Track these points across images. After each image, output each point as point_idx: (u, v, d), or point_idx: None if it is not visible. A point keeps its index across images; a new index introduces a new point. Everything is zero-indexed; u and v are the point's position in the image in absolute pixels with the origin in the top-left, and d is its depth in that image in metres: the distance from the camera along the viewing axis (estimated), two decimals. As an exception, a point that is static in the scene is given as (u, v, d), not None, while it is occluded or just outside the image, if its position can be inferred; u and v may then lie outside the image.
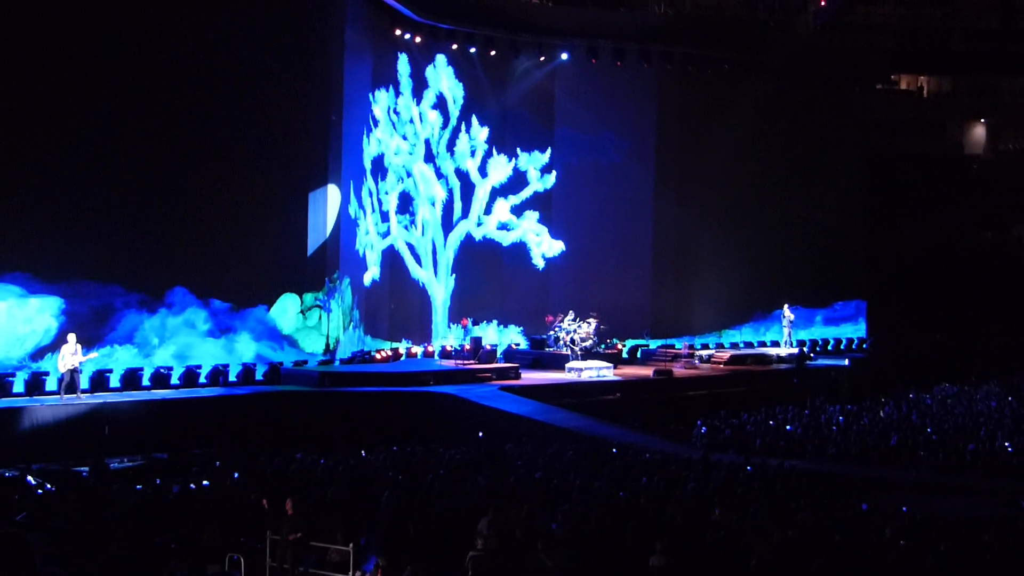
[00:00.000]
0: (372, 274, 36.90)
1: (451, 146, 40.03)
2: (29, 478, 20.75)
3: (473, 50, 40.14)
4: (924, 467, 24.09)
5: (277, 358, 32.01)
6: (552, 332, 37.62)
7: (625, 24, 42.84)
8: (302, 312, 32.94)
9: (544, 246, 42.24)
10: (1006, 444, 25.91)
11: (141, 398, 28.14)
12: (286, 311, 32.65)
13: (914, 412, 31.29)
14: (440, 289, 40.05)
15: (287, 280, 32.76)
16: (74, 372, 26.52)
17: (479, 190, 40.86)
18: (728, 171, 44.68)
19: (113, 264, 29.25)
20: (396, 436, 26.57)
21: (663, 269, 43.66)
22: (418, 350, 38.40)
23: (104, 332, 29.03)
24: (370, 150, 36.62)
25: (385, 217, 37.76)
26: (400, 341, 37.95)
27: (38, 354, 27.92)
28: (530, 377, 34.88)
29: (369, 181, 36.49)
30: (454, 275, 40.39)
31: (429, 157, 39.42)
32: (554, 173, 42.35)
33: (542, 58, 41.80)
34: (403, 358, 37.17)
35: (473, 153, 40.58)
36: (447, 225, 40.19)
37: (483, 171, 40.91)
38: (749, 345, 44.51)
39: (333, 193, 33.83)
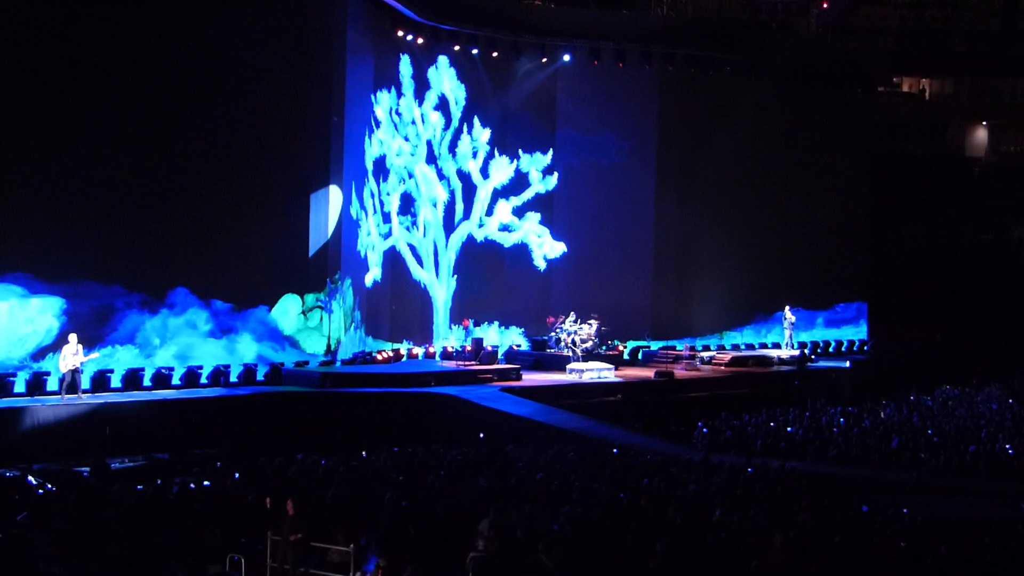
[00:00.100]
0: (373, 275, 36.91)
1: (453, 147, 40.05)
2: (30, 478, 20.75)
3: (475, 51, 40.16)
4: (925, 469, 24.07)
5: (278, 359, 32.02)
6: (553, 333, 37.61)
7: (627, 25, 42.84)
8: (303, 313, 32.96)
9: (545, 247, 42.25)
10: (1007, 446, 25.89)
11: (142, 398, 28.15)
12: (287, 312, 32.66)
13: (915, 414, 31.29)
14: (441, 290, 40.06)
15: (288, 281, 32.77)
16: (75, 372, 26.52)
17: (481, 191, 40.88)
18: (729, 172, 44.68)
19: (114, 264, 29.26)
20: (397, 437, 26.54)
21: (664, 270, 43.67)
22: (419, 351, 38.43)
23: (105, 332, 29.04)
24: (372, 151, 36.63)
25: (387, 218, 37.77)
26: (401, 342, 37.98)
27: (39, 354, 27.93)
28: (531, 378, 34.87)
29: (371, 182, 36.50)
30: (455, 276, 40.40)
31: (431, 158, 39.44)
32: (556, 174, 42.36)
33: (544, 59, 41.81)
34: (404, 359, 37.19)
35: (475, 154, 40.59)
36: (449, 226, 40.21)
37: (485, 172, 40.92)
38: (750, 347, 44.52)
39: (335, 194, 33.84)
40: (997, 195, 58.28)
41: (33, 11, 28.11)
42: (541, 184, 42.15)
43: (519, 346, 40.50)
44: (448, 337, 39.55)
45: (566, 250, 42.47)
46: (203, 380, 30.30)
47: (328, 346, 33.43)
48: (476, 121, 40.55)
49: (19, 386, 27.17)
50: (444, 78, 39.75)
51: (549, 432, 27.77)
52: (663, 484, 20.11)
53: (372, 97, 36.77)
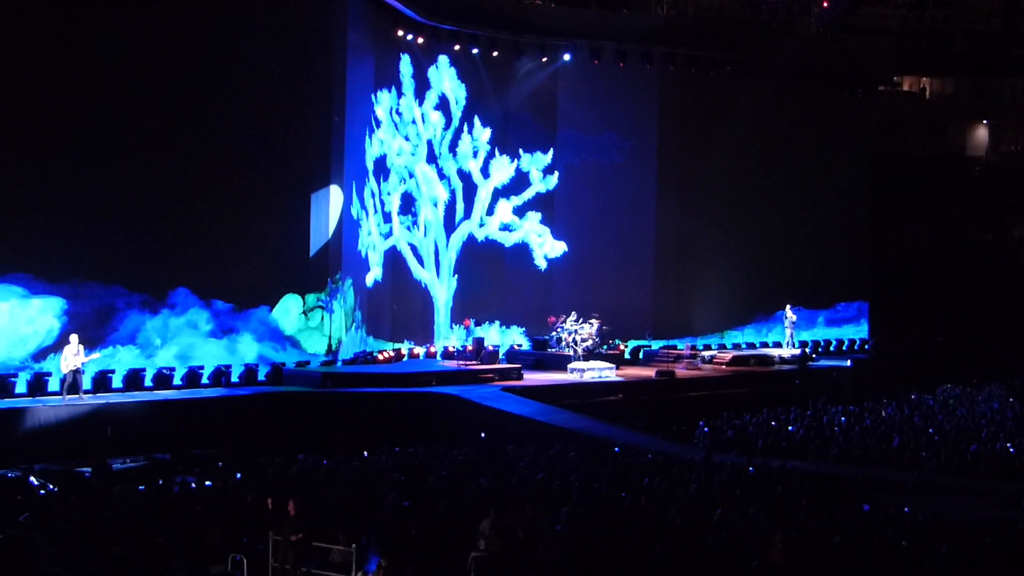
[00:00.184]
0: (374, 275, 36.92)
1: (453, 147, 40.06)
2: (31, 479, 20.76)
3: (475, 51, 40.17)
4: (926, 468, 24.07)
5: (279, 359, 32.03)
6: (554, 333, 37.63)
7: (627, 25, 42.85)
8: (304, 313, 32.96)
9: (546, 247, 42.25)
10: (1008, 446, 25.89)
11: (143, 399, 28.16)
12: (288, 312, 32.67)
13: (916, 413, 31.29)
14: (442, 290, 40.07)
15: (289, 281, 32.78)
16: (76, 373, 26.52)
17: (481, 191, 40.89)
18: (730, 172, 44.70)
19: (115, 265, 29.27)
20: (398, 437, 26.54)
21: (665, 270, 43.67)
22: (420, 351, 38.44)
23: (106, 333, 29.04)
24: (372, 151, 36.64)
25: (387, 218, 37.78)
26: (402, 342, 37.99)
27: (40, 355, 27.93)
28: (532, 378, 34.88)
29: (371, 182, 36.51)
30: (456, 276, 40.41)
31: (431, 158, 39.45)
32: (556, 174, 42.36)
33: (544, 59, 41.82)
34: (405, 359, 37.19)
35: (475, 154, 40.60)
36: (449, 226, 40.22)
37: (485, 172, 40.93)
38: (751, 346, 44.55)
39: (335, 194, 33.85)
40: (997, 195, 58.30)
41: (34, 11, 28.11)
42: (542, 184, 42.16)
43: (520, 346, 40.50)
44: (449, 337, 39.55)
45: (567, 249, 42.47)
46: (204, 380, 30.31)
47: (329, 346, 33.43)
48: (477, 121, 40.55)
49: (20, 387, 27.18)
50: (444, 78, 39.75)
51: (550, 432, 27.78)
52: (664, 484, 20.12)
53: (373, 97, 36.78)
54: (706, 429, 28.19)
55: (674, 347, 41.77)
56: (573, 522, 16.13)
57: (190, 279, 30.57)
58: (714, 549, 14.98)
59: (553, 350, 37.70)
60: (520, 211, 41.73)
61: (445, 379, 33.03)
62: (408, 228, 38.83)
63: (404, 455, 23.70)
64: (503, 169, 41.26)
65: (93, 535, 15.03)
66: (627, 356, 40.24)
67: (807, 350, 42.23)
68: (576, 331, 36.45)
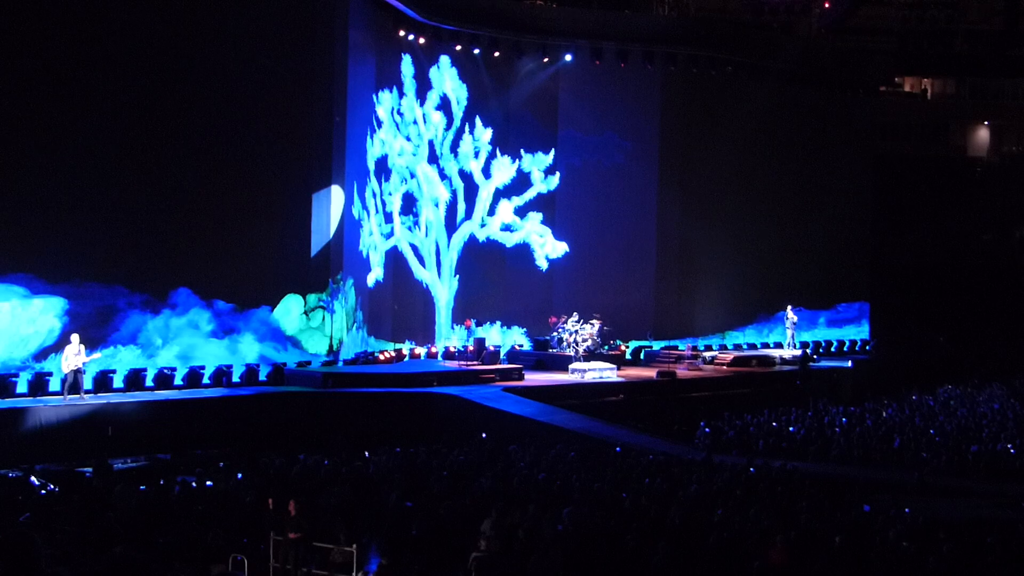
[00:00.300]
0: (376, 275, 36.94)
1: (455, 147, 40.07)
2: (33, 479, 20.75)
3: (477, 51, 40.17)
4: (927, 469, 24.07)
5: (280, 359, 32.04)
6: (555, 333, 37.64)
7: (629, 26, 42.83)
8: (306, 313, 32.97)
9: (547, 247, 42.25)
10: (1009, 446, 25.89)
11: (144, 399, 28.16)
12: (290, 312, 32.68)
13: (917, 414, 31.29)
14: (443, 290, 40.08)
15: (291, 281, 32.79)
16: (78, 373, 26.53)
17: (483, 191, 40.90)
18: (731, 172, 44.71)
19: (117, 265, 29.28)
20: (399, 437, 26.56)
21: (666, 270, 43.68)
22: (421, 351, 38.46)
23: (108, 333, 29.04)
24: (374, 151, 36.66)
25: (389, 218, 37.79)
26: (403, 342, 38.00)
27: (42, 355, 27.93)
28: (533, 378, 34.89)
29: (373, 182, 36.53)
30: (457, 276, 40.42)
31: (433, 158, 39.47)
32: (557, 174, 42.37)
33: (546, 59, 41.83)
34: (406, 359, 37.19)
35: (477, 154, 40.61)
36: (451, 226, 40.23)
37: (487, 172, 40.94)
38: (752, 347, 44.55)
39: (337, 194, 33.86)
40: (998, 195, 58.35)
41: (35, 12, 28.12)
42: (543, 184, 42.16)
43: (521, 346, 40.51)
44: (450, 337, 39.55)
45: (568, 250, 42.47)
46: (205, 380, 30.32)
47: (330, 346, 33.44)
48: (478, 121, 40.57)
49: (21, 386, 27.19)
50: (446, 78, 39.77)
51: (551, 432, 27.78)
52: (665, 484, 20.12)
53: (374, 97, 36.79)
54: (707, 430, 28.19)
55: (675, 348, 41.78)
56: (574, 522, 16.14)
57: (191, 279, 30.58)
58: (715, 549, 14.99)
59: (554, 350, 37.71)
60: (521, 211, 41.74)
61: (446, 379, 33.04)
62: (409, 228, 38.84)
63: (405, 455, 23.71)
64: (504, 169, 41.27)
65: (94, 535, 15.03)
66: (628, 357, 40.25)
67: (808, 351, 42.22)
68: (577, 332, 36.46)
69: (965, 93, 61.47)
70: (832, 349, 47.04)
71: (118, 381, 28.64)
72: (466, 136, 40.30)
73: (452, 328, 39.90)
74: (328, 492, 18.08)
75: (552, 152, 42.31)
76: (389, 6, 36.84)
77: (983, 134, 61.73)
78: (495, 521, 15.36)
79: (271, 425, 27.97)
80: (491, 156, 41.01)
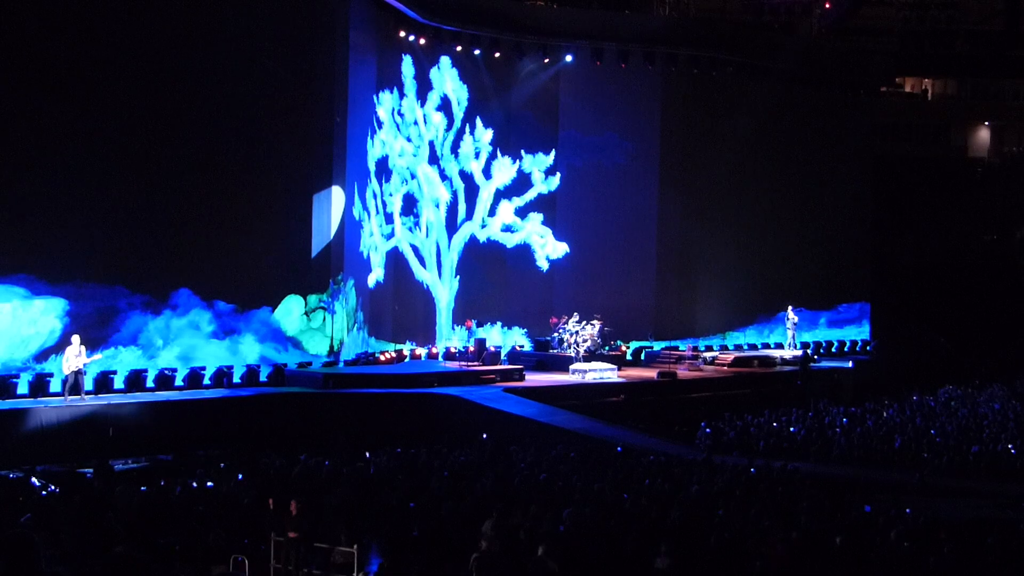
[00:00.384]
0: (376, 276, 36.95)
1: (455, 148, 40.07)
2: (33, 479, 20.78)
3: (477, 52, 40.15)
4: (927, 469, 24.09)
5: (281, 360, 32.04)
6: (556, 334, 37.63)
7: (629, 26, 42.82)
8: (306, 314, 32.97)
9: (548, 248, 42.24)
10: (1009, 447, 25.90)
11: (145, 400, 28.18)
12: (290, 313, 32.68)
13: (918, 415, 31.29)
14: (444, 291, 40.08)
15: (291, 282, 32.81)
16: (78, 374, 26.51)
17: (483, 192, 40.90)
18: (732, 173, 44.71)
19: (117, 266, 29.29)
20: (400, 438, 26.57)
21: (667, 271, 43.66)
22: (422, 352, 38.45)
23: (108, 334, 29.04)
24: (374, 152, 36.67)
25: (389, 219, 37.80)
26: (404, 343, 38.00)
27: (42, 356, 27.93)
28: (534, 379, 34.89)
29: (373, 183, 36.54)
30: (458, 277, 40.42)
31: (433, 159, 39.47)
32: (558, 175, 42.36)
33: (546, 60, 41.82)
34: (407, 360, 37.19)
35: (477, 155, 40.61)
36: (451, 227, 40.23)
37: (487, 173, 40.94)
38: (753, 347, 44.54)
39: (337, 195, 33.87)
40: (999, 196, 58.35)
41: (36, 13, 28.14)
42: (544, 184, 42.16)
43: (522, 347, 40.51)
44: (451, 338, 39.56)
45: (568, 250, 42.46)
46: (206, 381, 30.32)
47: (331, 347, 33.45)
48: (478, 122, 40.56)
49: (22, 388, 27.19)
50: (446, 79, 39.77)
51: (552, 433, 27.80)
52: (666, 484, 20.13)
53: (374, 98, 36.80)
54: (708, 430, 28.19)
55: (676, 348, 41.76)
56: (575, 523, 16.14)
57: (192, 280, 30.59)
58: (715, 550, 14.99)
59: (555, 351, 37.70)
60: (522, 212, 41.74)
61: (447, 380, 33.06)
62: (410, 229, 38.85)
63: (406, 456, 23.73)
64: (505, 170, 41.27)
65: (95, 536, 15.03)
66: (629, 357, 40.26)
67: (808, 351, 42.22)
68: (578, 332, 36.46)
69: (966, 94, 61.50)
70: (833, 349, 47.03)
71: (119, 382, 28.64)
72: (467, 137, 40.30)
73: (453, 329, 39.90)
74: (329, 493, 18.09)
75: (553, 153, 42.31)
76: (390, 7, 36.84)
77: (983, 134, 61.74)
78: (496, 522, 15.36)
79: (272, 426, 27.97)
80: (492, 157, 41.01)
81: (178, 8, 30.56)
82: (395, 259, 38.24)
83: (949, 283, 53.17)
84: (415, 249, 39.15)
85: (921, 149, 59.06)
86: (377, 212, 36.90)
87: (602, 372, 35.30)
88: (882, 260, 51.64)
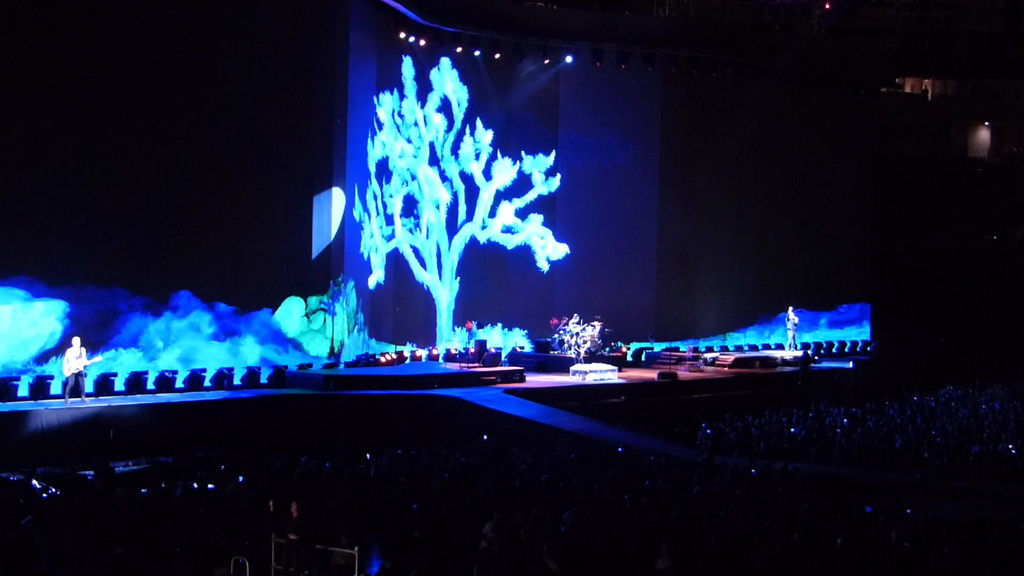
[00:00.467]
0: (377, 277, 36.95)
1: (455, 149, 40.06)
2: (34, 482, 20.77)
3: (477, 53, 40.12)
4: (928, 470, 24.08)
5: (282, 361, 32.05)
6: (557, 335, 37.63)
7: (629, 27, 42.78)
8: (307, 315, 32.98)
9: (548, 249, 42.23)
10: (1010, 447, 25.88)
11: (146, 401, 28.18)
12: (291, 314, 32.69)
13: (918, 415, 31.27)
14: (444, 292, 40.07)
15: (292, 283, 32.81)
16: (79, 376, 26.52)
17: (483, 193, 40.89)
18: (732, 173, 44.67)
19: (118, 268, 29.28)
20: (401, 439, 26.58)
21: (667, 272, 43.64)
22: (423, 353, 38.44)
23: (109, 336, 29.05)
24: (374, 153, 36.67)
25: (389, 220, 37.80)
26: (405, 344, 37.96)
27: (43, 358, 27.92)
28: (535, 380, 34.88)
29: (373, 184, 36.54)
30: (458, 278, 40.40)
31: (433, 160, 39.46)
32: (558, 176, 42.35)
33: (546, 61, 41.81)
34: (408, 361, 37.18)
35: (477, 156, 40.60)
36: (451, 228, 40.21)
37: (487, 174, 40.93)
38: (754, 348, 44.51)
39: (338, 196, 33.88)
40: (999, 196, 58.34)
41: (35, 13, 28.13)
42: (544, 186, 42.14)
43: (522, 348, 40.51)
44: (451, 339, 39.57)
45: (569, 252, 42.44)
46: (206, 383, 30.33)
47: (331, 348, 33.45)
48: (479, 123, 40.55)
49: (23, 390, 27.21)
50: (446, 80, 39.76)
51: (552, 434, 27.80)
52: (667, 485, 20.13)
53: (375, 99, 36.81)
54: (708, 431, 28.15)
55: (676, 349, 41.71)
56: (576, 524, 16.15)
57: (192, 282, 30.58)
58: (716, 551, 14.99)
59: (555, 352, 37.70)
60: (522, 213, 41.72)
61: (447, 381, 33.08)
62: (410, 230, 38.85)
63: (407, 457, 23.73)
64: (505, 171, 41.26)
65: (96, 538, 15.04)
66: (629, 358, 40.25)
67: (809, 352, 42.21)
68: (578, 333, 36.46)
69: (966, 94, 61.47)
70: (833, 350, 47.01)
71: (119, 384, 28.63)
72: (467, 138, 40.29)
73: (453, 330, 39.91)
74: (330, 494, 18.09)
75: (553, 154, 42.29)
76: (390, 8, 36.83)
77: (984, 135, 61.71)
78: (497, 523, 15.37)
79: (272, 427, 27.96)
80: (492, 158, 41.00)
81: (178, 8, 30.55)
82: (395, 260, 38.24)
83: (949, 283, 53.15)
84: (415, 250, 39.14)
85: (921, 149, 59.04)
86: (377, 213, 36.90)
87: (603, 373, 35.28)
88: (882, 260, 51.62)
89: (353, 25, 34.66)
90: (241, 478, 20.53)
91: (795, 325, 42.61)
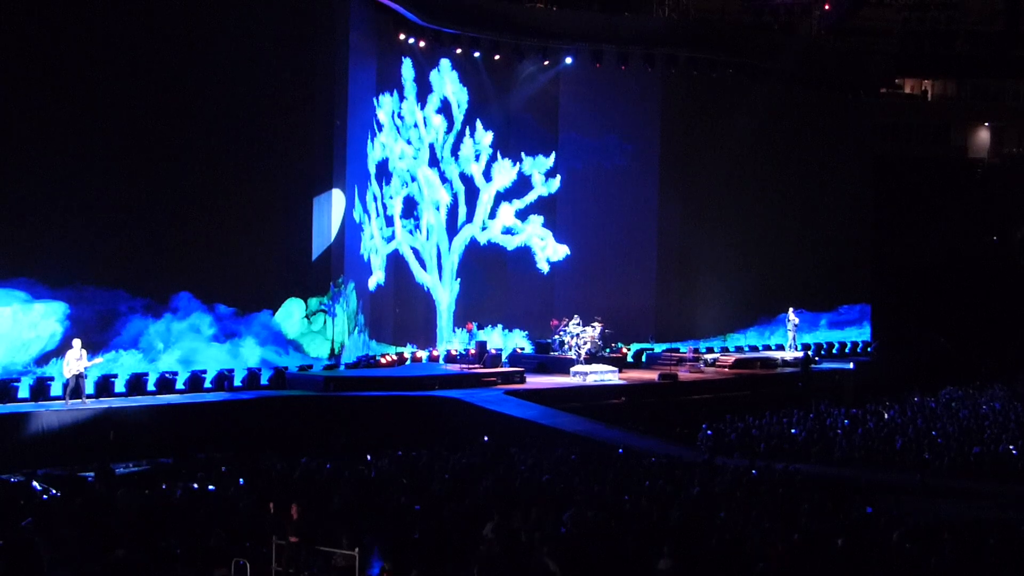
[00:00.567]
0: (377, 278, 36.94)
1: (455, 150, 40.05)
2: (35, 483, 20.77)
3: (477, 54, 40.10)
4: (929, 470, 24.07)
5: (282, 363, 32.04)
6: (557, 336, 37.63)
7: (629, 28, 42.77)
8: (307, 317, 32.97)
9: (548, 250, 42.22)
10: (1011, 447, 25.87)
11: (146, 403, 28.19)
12: (291, 316, 32.69)
13: (919, 416, 31.26)
14: (445, 293, 40.07)
15: (292, 285, 32.80)
16: (79, 377, 26.53)
17: (483, 194, 40.88)
18: (732, 174, 44.65)
19: (118, 269, 29.28)
20: (401, 440, 26.58)
21: (667, 273, 43.62)
22: (423, 354, 38.43)
23: (109, 337, 29.04)
24: (374, 154, 36.66)
25: (390, 221, 37.79)
26: (405, 345, 37.96)
27: (43, 359, 27.92)
28: (535, 381, 34.88)
29: (374, 185, 36.54)
30: (459, 279, 40.40)
31: (433, 161, 39.46)
32: (558, 177, 42.34)
33: (546, 62, 41.81)
34: (408, 363, 37.17)
35: (477, 157, 40.60)
36: (452, 229, 40.21)
37: (487, 175, 40.93)
38: (754, 349, 44.50)
39: (338, 197, 33.87)
40: (999, 197, 58.31)
41: (35, 15, 28.14)
42: (544, 187, 42.14)
43: (523, 349, 40.50)
44: (452, 340, 39.57)
45: (569, 253, 42.43)
46: (207, 384, 30.32)
47: (332, 350, 33.44)
48: (478, 124, 40.54)
49: (23, 391, 27.21)
50: (446, 81, 39.75)
51: (553, 435, 27.80)
52: (667, 486, 20.12)
53: (374, 100, 36.80)
54: (709, 432, 28.15)
55: (676, 350, 41.69)
56: (577, 525, 16.15)
57: (193, 283, 30.58)
58: (717, 551, 14.99)
59: (556, 353, 37.68)
60: (522, 214, 41.72)
61: (448, 383, 33.09)
62: (410, 232, 38.84)
63: (407, 459, 23.73)
64: (505, 172, 41.25)
65: (96, 540, 15.04)
66: (630, 359, 40.24)
67: (810, 353, 42.21)
68: (579, 334, 36.46)
69: (966, 94, 61.46)
70: (834, 351, 46.99)
71: (120, 385, 28.62)
72: (467, 139, 40.29)
73: (454, 331, 39.90)
74: (330, 495, 18.09)
75: (553, 155, 42.28)
76: (389, 9, 36.83)
77: (984, 135, 61.70)
78: (498, 524, 15.37)
79: (273, 429, 27.96)
80: (492, 159, 40.99)
81: (178, 9, 30.55)
82: (396, 262, 38.23)
83: (949, 283, 53.14)
84: (416, 252, 39.13)
85: (921, 149, 59.02)
86: (377, 215, 36.90)
87: (603, 374, 35.28)
88: (882, 260, 51.62)
89: (353, 26, 34.66)
90: (241, 479, 20.53)
91: (795, 326, 42.63)
